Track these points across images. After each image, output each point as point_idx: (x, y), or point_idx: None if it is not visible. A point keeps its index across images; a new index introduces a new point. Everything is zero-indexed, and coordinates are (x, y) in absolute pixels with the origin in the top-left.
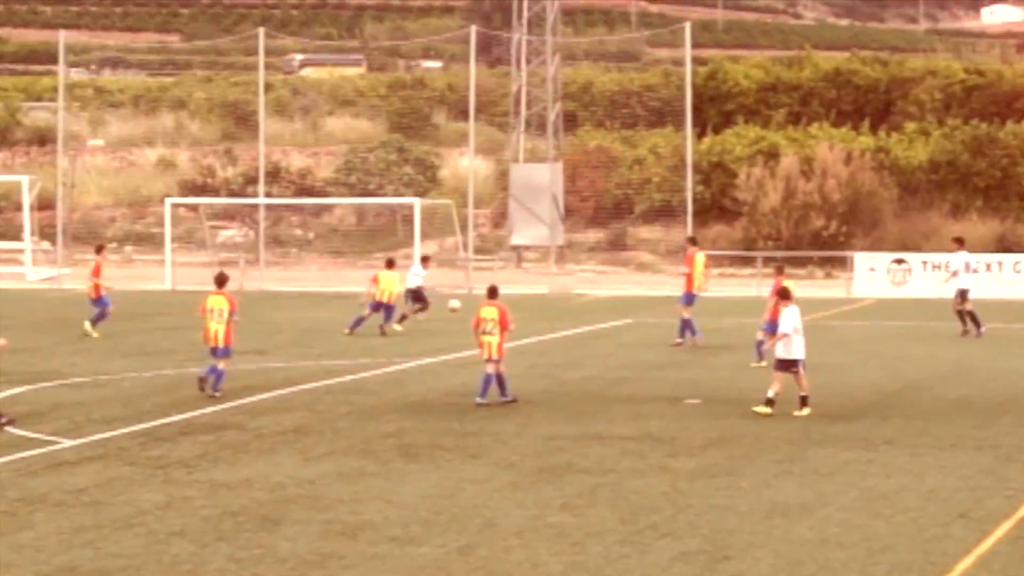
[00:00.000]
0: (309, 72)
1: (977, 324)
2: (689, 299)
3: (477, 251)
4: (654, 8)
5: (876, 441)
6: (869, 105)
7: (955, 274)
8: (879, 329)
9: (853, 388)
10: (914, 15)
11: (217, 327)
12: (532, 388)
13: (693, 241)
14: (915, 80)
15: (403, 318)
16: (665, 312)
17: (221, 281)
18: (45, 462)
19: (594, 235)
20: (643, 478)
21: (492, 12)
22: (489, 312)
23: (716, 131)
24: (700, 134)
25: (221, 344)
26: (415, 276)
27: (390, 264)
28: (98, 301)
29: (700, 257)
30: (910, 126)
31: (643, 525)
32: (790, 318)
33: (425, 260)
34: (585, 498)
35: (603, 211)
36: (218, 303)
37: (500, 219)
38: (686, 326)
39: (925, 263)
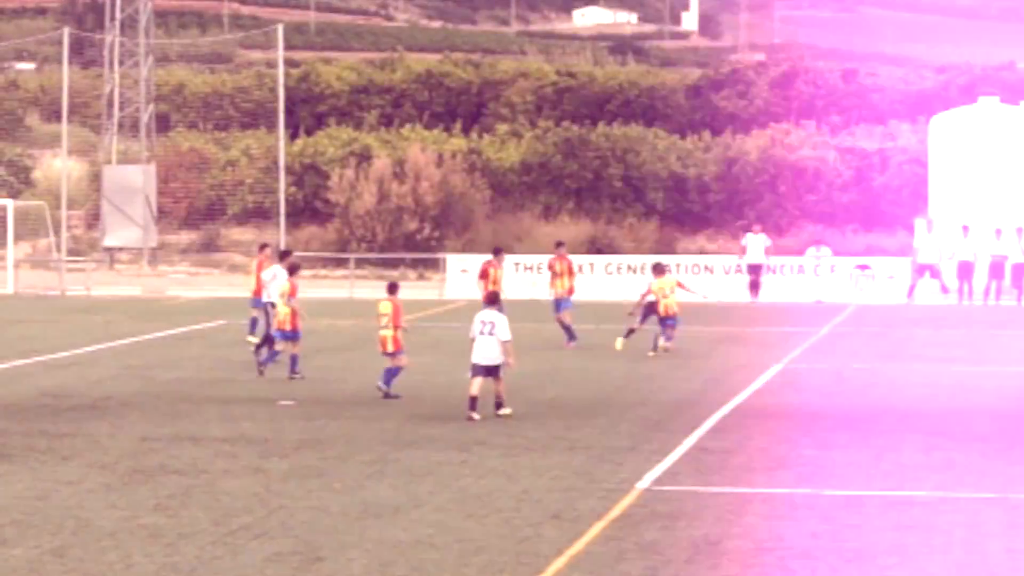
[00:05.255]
0: None
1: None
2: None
3: (70, 253)
4: (246, 10)
5: (469, 442)
6: (461, 107)
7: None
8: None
9: (445, 389)
10: (506, 17)
11: (385, 333)
12: (125, 390)
13: (560, 244)
14: (507, 82)
15: None
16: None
17: (392, 288)
18: None
19: (187, 237)
20: (236, 479)
21: (85, 14)
22: (385, 307)
23: (309, 133)
24: (293, 136)
25: (390, 348)
26: None
27: None
28: None
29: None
30: (502, 128)
31: (236, 526)
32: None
33: None
34: (178, 499)
35: (196, 213)
36: (386, 309)
37: (93, 221)
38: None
39: (517, 264)
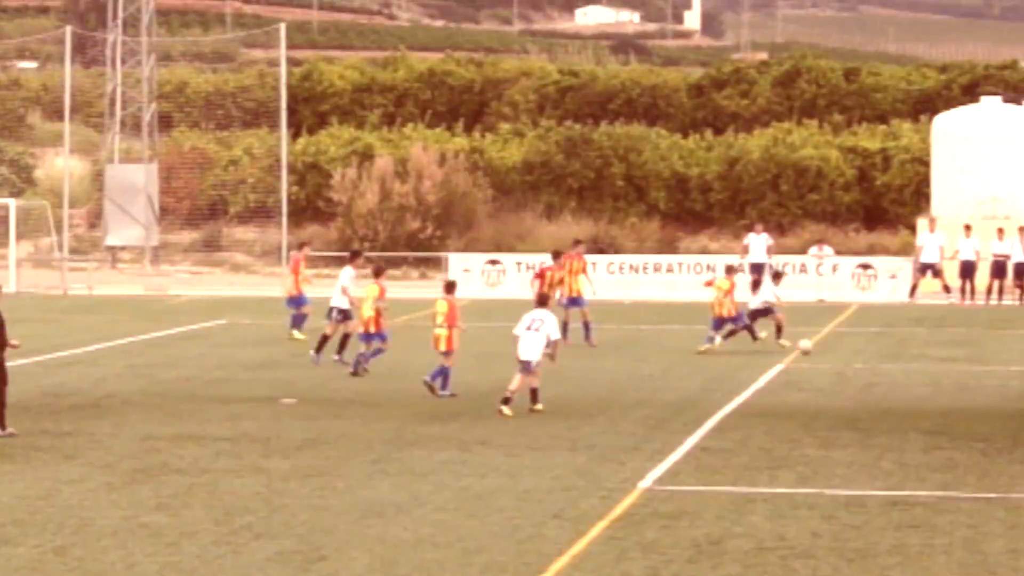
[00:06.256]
0: None
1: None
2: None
3: (72, 252)
4: (249, 9)
5: (470, 441)
6: (464, 106)
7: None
8: (473, 330)
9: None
10: (508, 17)
11: (440, 332)
12: (128, 389)
13: (578, 242)
14: (509, 81)
15: None
16: (260, 313)
17: (449, 287)
18: None
19: (189, 236)
20: (238, 478)
21: (87, 12)
22: (441, 306)
23: (311, 132)
24: (295, 135)
25: (443, 347)
26: None
27: None
28: None
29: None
30: (504, 127)
31: (238, 525)
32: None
33: None
34: (180, 498)
35: (198, 212)
36: (442, 308)
37: (95, 220)
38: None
39: (519, 264)
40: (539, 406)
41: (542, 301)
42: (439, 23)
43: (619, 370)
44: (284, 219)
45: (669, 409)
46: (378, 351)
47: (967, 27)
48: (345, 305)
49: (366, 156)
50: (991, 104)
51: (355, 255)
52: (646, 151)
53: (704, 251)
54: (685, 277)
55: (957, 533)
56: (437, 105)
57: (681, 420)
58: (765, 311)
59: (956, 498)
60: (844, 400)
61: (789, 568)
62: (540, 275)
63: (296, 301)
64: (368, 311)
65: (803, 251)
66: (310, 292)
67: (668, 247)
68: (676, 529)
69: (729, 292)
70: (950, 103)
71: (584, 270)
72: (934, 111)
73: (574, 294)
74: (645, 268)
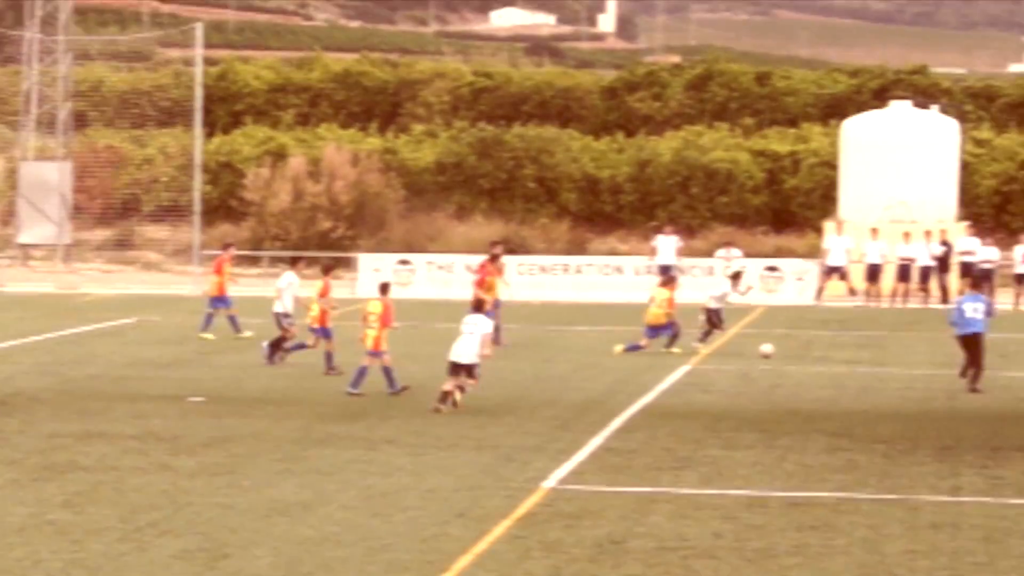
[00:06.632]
0: None
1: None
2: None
3: None
4: (166, 8)
5: (377, 441)
6: (378, 107)
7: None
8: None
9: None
10: (424, 18)
11: (371, 332)
12: (36, 386)
13: (495, 243)
14: (423, 82)
15: None
16: (170, 311)
17: (383, 288)
18: None
19: (102, 234)
20: (144, 476)
21: (5, 10)
22: (375, 307)
23: (225, 131)
24: (209, 134)
25: (371, 346)
26: None
27: None
28: None
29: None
30: (418, 128)
31: (143, 523)
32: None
33: None
34: (86, 496)
35: (111, 210)
36: (375, 308)
37: (8, 217)
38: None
39: (430, 264)
40: (445, 408)
41: (477, 306)
42: (355, 24)
43: (527, 370)
44: (197, 218)
45: (575, 410)
46: (301, 345)
47: (878, 32)
48: (288, 309)
49: (279, 156)
50: (900, 109)
51: (296, 261)
52: (558, 153)
53: (613, 252)
54: (594, 278)
55: (857, 534)
56: (351, 105)
57: (586, 420)
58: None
59: (856, 499)
60: (748, 401)
61: (690, 568)
62: (481, 279)
63: (220, 301)
64: (315, 308)
65: (711, 253)
66: (233, 292)
67: (578, 248)
68: (579, 529)
69: (667, 303)
70: (860, 107)
71: (502, 271)
72: (844, 115)
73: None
74: (554, 269)
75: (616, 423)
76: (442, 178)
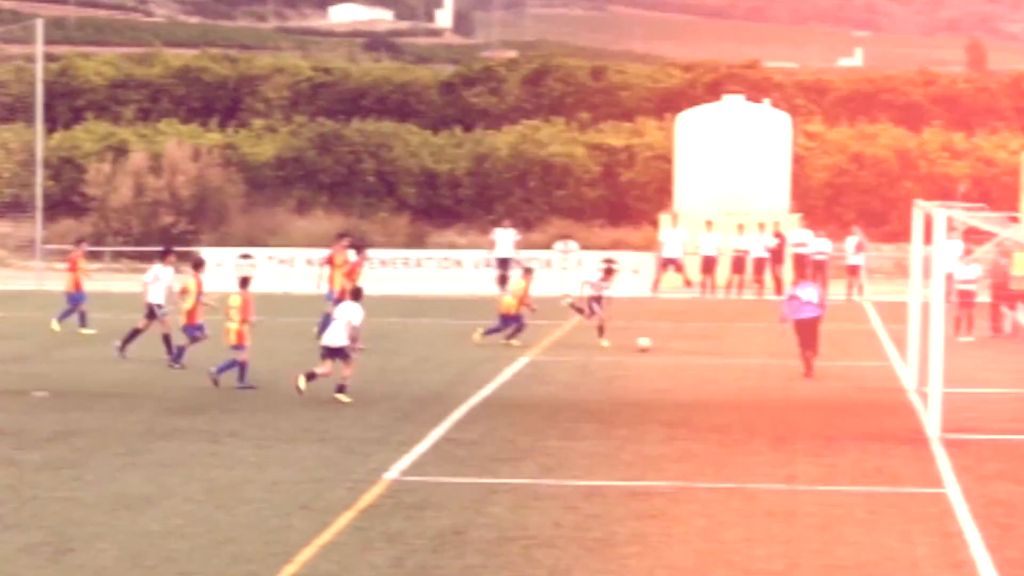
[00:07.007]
0: None
1: None
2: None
3: None
4: (6, 4)
5: (220, 434)
6: (218, 102)
7: None
8: (220, 323)
9: (198, 381)
10: (263, 14)
11: (231, 326)
12: None
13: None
14: (263, 78)
15: None
16: (12, 306)
17: (243, 282)
18: None
19: None
20: None
21: None
22: (235, 300)
23: (67, 127)
24: (51, 130)
25: (234, 341)
26: None
27: None
28: None
29: None
30: (258, 123)
31: None
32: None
33: None
34: None
35: None
36: (235, 302)
37: None
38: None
39: (271, 258)
40: (345, 398)
41: (355, 295)
42: (194, 20)
43: (368, 363)
44: (39, 213)
45: (416, 402)
46: (190, 340)
47: (711, 27)
48: (161, 301)
49: (121, 151)
50: (733, 103)
51: (166, 253)
52: (397, 147)
53: (452, 246)
54: (434, 272)
55: (695, 522)
56: (192, 101)
57: (427, 412)
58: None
59: (694, 488)
60: (587, 393)
61: (531, 558)
62: (351, 271)
63: (74, 297)
64: (189, 304)
65: (549, 246)
66: (87, 286)
67: (417, 242)
68: (421, 520)
69: (523, 295)
70: (694, 101)
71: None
72: (678, 109)
73: (336, 288)
74: (395, 263)
75: (457, 415)
76: (282, 173)
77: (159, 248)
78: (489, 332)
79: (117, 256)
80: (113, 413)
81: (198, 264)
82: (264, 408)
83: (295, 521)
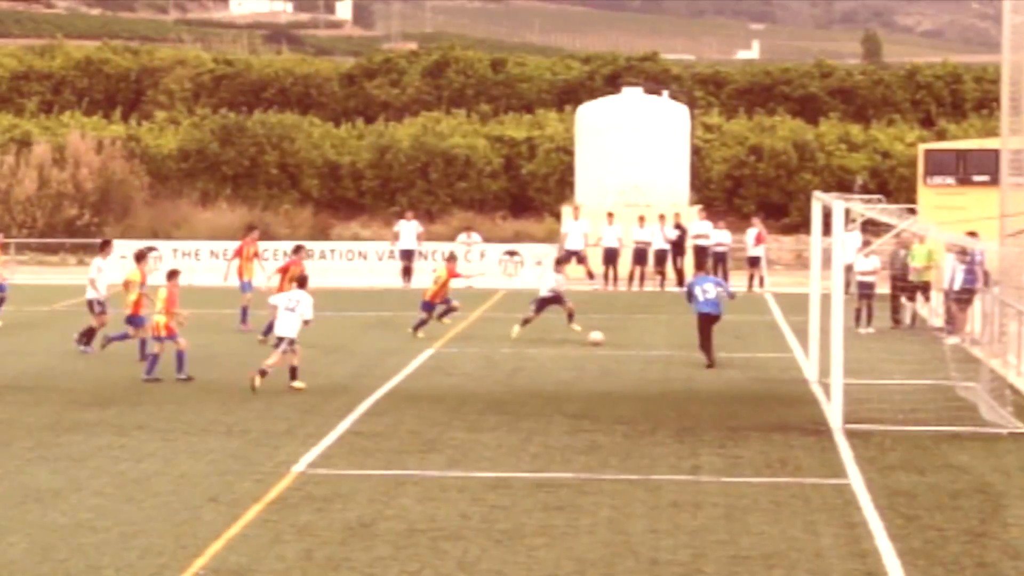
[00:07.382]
0: None
1: None
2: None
3: None
4: None
5: (128, 427)
6: (120, 94)
7: None
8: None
9: (106, 373)
10: (164, 5)
11: (159, 319)
12: None
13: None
14: (165, 70)
15: None
16: None
17: (171, 274)
18: None
19: None
20: None
21: None
22: (162, 293)
23: None
24: None
25: (163, 333)
26: None
27: None
28: None
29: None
30: (160, 115)
31: None
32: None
33: None
34: None
35: None
36: (162, 294)
37: None
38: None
39: (176, 250)
40: (299, 383)
41: (302, 282)
42: (96, 11)
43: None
44: None
45: (322, 394)
46: (125, 335)
47: (609, 19)
48: (101, 296)
49: (24, 143)
50: (632, 95)
51: (105, 244)
52: (299, 139)
53: (356, 238)
54: (338, 263)
55: (601, 514)
56: (94, 93)
57: (334, 405)
58: (554, 299)
59: (600, 480)
60: (492, 384)
61: (439, 550)
62: (284, 269)
63: None
64: (133, 295)
65: (452, 238)
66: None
67: (321, 234)
68: (329, 512)
69: (446, 281)
70: (593, 93)
71: (258, 255)
72: (578, 101)
73: (247, 278)
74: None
75: (363, 407)
76: (185, 165)
77: (65, 240)
78: (418, 325)
79: (22, 248)
80: (20, 406)
81: (140, 256)
82: (171, 400)
83: (204, 514)
